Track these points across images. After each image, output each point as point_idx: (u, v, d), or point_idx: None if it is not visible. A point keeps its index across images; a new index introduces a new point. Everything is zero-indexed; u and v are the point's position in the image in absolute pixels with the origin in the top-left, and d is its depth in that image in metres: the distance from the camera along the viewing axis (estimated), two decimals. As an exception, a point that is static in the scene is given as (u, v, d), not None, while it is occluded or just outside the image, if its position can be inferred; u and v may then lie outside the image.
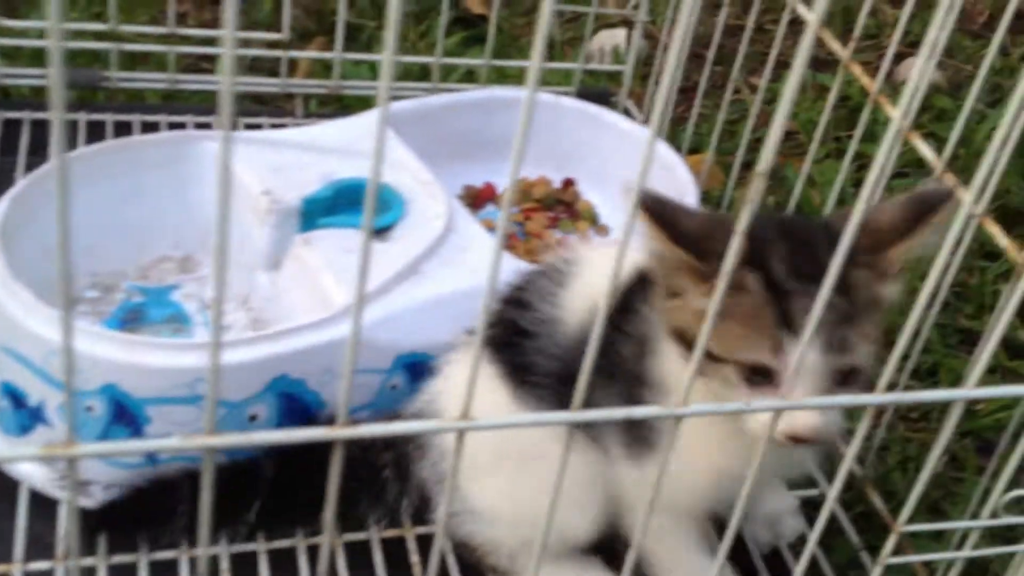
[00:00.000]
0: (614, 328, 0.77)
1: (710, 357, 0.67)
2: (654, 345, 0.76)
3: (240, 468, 0.88)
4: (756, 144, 1.56)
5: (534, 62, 0.46)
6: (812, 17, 0.50)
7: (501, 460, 0.84)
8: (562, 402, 0.79)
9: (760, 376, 0.67)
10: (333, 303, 0.96)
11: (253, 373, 0.89)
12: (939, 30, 0.52)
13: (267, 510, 0.88)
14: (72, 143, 1.20)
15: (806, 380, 0.66)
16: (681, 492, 0.74)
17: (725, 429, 0.74)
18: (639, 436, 0.78)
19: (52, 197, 1.02)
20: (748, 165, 1.52)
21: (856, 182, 1.51)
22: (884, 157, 0.58)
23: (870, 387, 0.69)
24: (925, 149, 0.95)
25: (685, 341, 0.70)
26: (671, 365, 0.74)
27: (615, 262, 0.51)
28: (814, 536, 0.65)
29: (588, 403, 0.54)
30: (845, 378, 0.68)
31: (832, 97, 1.10)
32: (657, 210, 0.67)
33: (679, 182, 1.18)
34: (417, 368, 0.97)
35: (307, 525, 0.91)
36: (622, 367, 0.77)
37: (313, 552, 0.91)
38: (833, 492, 0.64)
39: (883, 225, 0.69)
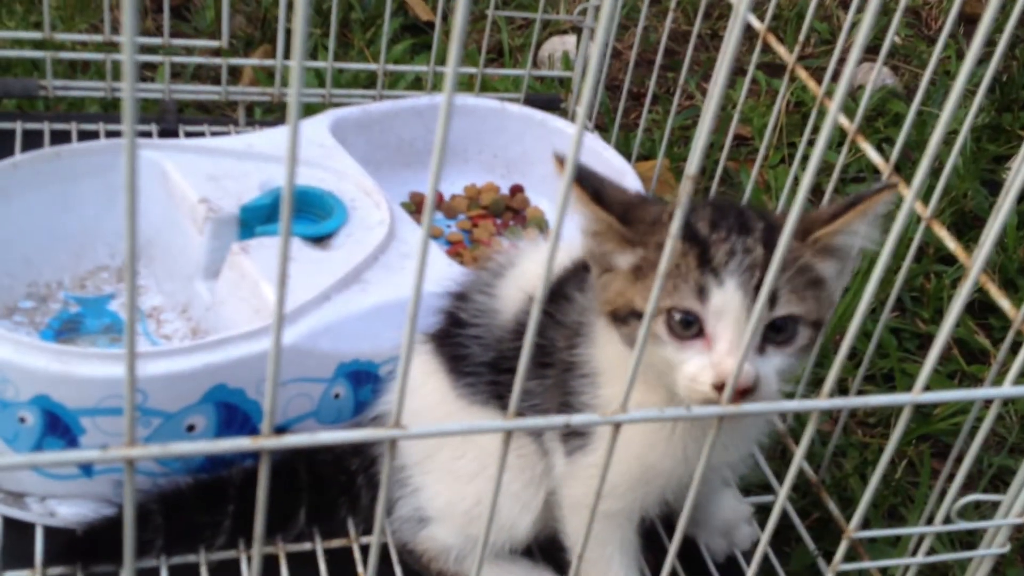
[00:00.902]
0: (549, 317, 0.76)
1: (638, 316, 0.67)
2: (589, 333, 0.74)
3: (209, 483, 0.87)
4: (709, 150, 1.55)
5: (450, 67, 0.44)
6: (740, 23, 0.49)
7: (440, 451, 0.85)
8: (497, 392, 0.79)
9: (687, 328, 0.66)
10: (272, 311, 0.93)
11: (190, 382, 0.86)
12: (866, 31, 0.51)
13: (242, 519, 0.86)
14: (9, 152, 1.16)
15: (731, 325, 0.65)
16: (608, 489, 0.72)
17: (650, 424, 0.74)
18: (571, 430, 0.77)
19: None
20: (702, 171, 1.52)
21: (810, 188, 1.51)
22: (821, 155, 0.57)
23: (810, 345, 0.68)
24: (872, 152, 0.94)
25: (620, 319, 0.69)
26: (607, 352, 0.73)
27: (550, 244, 0.49)
28: (765, 537, 0.63)
29: (524, 394, 0.53)
30: (780, 334, 0.67)
31: (779, 101, 1.09)
32: (588, 181, 0.69)
33: (627, 186, 1.16)
34: (360, 376, 0.95)
35: (283, 531, 0.89)
36: (557, 356, 0.76)
37: (288, 559, 0.88)
38: (783, 491, 0.63)
39: (816, 214, 0.70)
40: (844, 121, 0.94)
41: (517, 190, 1.28)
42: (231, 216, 1.02)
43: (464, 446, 0.84)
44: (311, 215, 1.05)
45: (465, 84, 1.50)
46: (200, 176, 1.05)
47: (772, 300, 0.65)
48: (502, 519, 0.83)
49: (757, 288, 0.64)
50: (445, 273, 0.99)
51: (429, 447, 0.86)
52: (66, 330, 1.03)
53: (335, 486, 0.90)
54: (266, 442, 0.52)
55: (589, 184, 0.69)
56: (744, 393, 0.64)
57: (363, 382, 0.95)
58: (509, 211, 1.27)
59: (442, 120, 0.46)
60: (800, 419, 1.07)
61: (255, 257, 0.98)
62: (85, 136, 1.26)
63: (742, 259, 0.66)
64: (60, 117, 1.29)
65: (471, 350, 0.81)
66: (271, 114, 1.43)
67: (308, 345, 0.91)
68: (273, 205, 1.04)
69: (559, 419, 0.57)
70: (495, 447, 0.58)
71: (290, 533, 0.89)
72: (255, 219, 1.03)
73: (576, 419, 0.57)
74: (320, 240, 1.02)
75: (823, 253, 0.68)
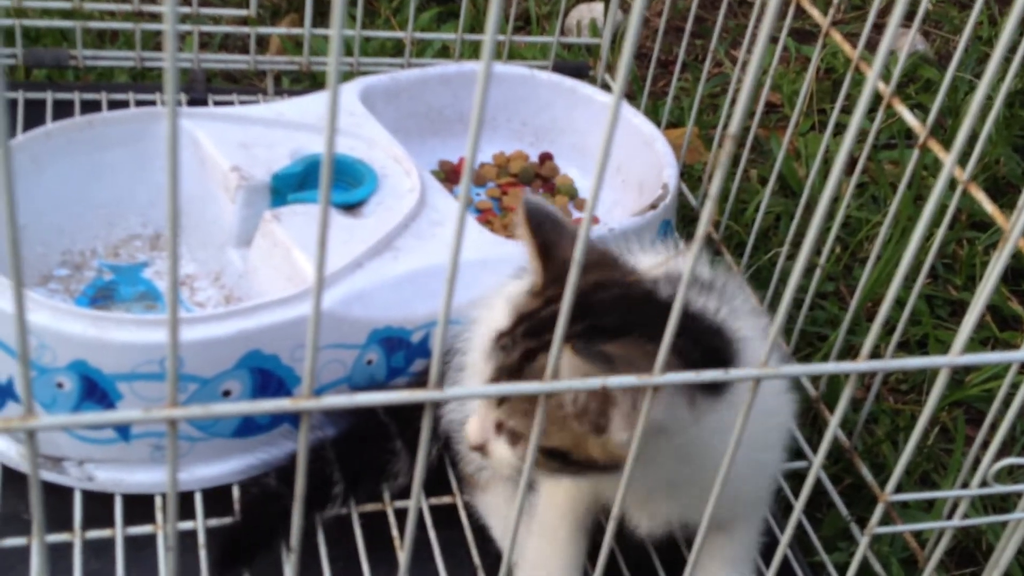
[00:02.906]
0: None
1: None
2: None
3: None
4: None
5: (488, 34, 0.44)
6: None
7: None
8: None
9: None
10: (305, 278, 0.94)
11: (225, 348, 0.87)
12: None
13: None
14: (40, 122, 1.17)
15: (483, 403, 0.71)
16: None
17: None
18: None
19: (19, 173, 0.99)
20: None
21: (848, 155, 1.49)
22: (860, 119, 0.56)
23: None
24: (908, 116, 0.93)
25: None
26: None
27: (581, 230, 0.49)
28: (800, 503, 0.63)
29: None
30: (506, 435, 0.71)
31: (813, 66, 1.08)
32: (535, 214, 0.72)
33: (658, 156, 1.15)
34: (392, 343, 0.95)
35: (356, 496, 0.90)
36: None
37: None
38: (819, 457, 0.63)
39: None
40: (880, 84, 0.93)
41: (546, 158, 1.28)
42: (263, 184, 1.02)
43: None
44: (342, 183, 1.05)
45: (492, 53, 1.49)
46: (231, 144, 1.05)
47: (501, 400, 0.69)
48: None
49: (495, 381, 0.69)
50: (478, 241, 1.00)
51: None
52: (100, 297, 1.03)
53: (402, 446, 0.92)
54: (306, 403, 0.53)
55: (536, 218, 0.72)
56: (479, 449, 0.72)
57: (395, 348, 0.96)
58: (538, 179, 1.26)
59: (480, 87, 0.46)
60: (832, 385, 1.07)
61: (287, 225, 0.98)
62: (115, 106, 1.27)
63: (503, 355, 0.69)
64: (90, 87, 1.30)
65: None
66: (299, 84, 1.43)
67: (341, 311, 0.92)
68: (304, 173, 1.04)
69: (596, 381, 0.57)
70: None
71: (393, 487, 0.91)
72: (287, 187, 1.03)
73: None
74: (351, 208, 1.02)
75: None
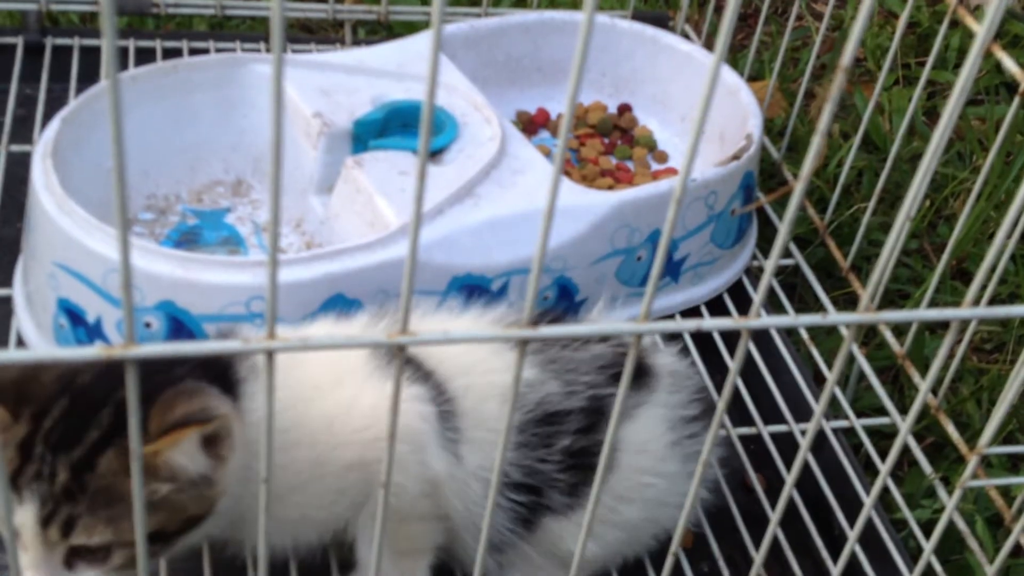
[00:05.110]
0: None
1: None
2: None
3: None
4: (820, 71, 1.51)
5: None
6: None
7: None
8: None
9: (15, 537, 0.63)
10: (386, 224, 0.94)
11: (309, 291, 0.88)
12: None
13: None
14: (122, 70, 1.18)
15: (30, 543, 0.63)
16: None
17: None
18: None
19: (103, 117, 1.00)
20: (811, 94, 1.48)
21: (927, 110, 1.46)
22: (970, 70, 0.54)
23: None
24: (1010, 62, 0.90)
25: None
26: None
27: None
28: (888, 463, 0.61)
29: None
30: (92, 554, 0.64)
31: (903, 18, 1.05)
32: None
33: (742, 107, 1.13)
34: (472, 290, 0.95)
35: None
36: None
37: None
38: (909, 421, 0.61)
39: (160, 419, 0.63)
40: (974, 25, 0.90)
41: (625, 109, 1.26)
42: (344, 130, 1.03)
43: None
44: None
45: (568, 2, 1.47)
46: (313, 91, 1.05)
47: (69, 527, 0.62)
48: None
49: (51, 516, 0.62)
50: (559, 191, 0.99)
51: None
52: (184, 241, 1.05)
53: None
54: (402, 339, 0.53)
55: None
56: None
57: (475, 295, 0.96)
58: (617, 130, 1.25)
59: (582, 36, 0.45)
60: (918, 343, 1.05)
61: (369, 171, 0.98)
62: (195, 54, 1.27)
63: (43, 485, 0.62)
64: (171, 35, 1.31)
65: None
66: (375, 34, 1.43)
67: (423, 258, 0.92)
68: (386, 119, 1.04)
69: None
70: None
71: None
72: (368, 133, 1.03)
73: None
74: (432, 155, 1.02)
75: (150, 474, 0.62)
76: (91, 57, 1.25)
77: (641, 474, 0.78)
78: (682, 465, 0.80)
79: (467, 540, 0.77)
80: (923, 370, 1.02)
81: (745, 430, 0.98)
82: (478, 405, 0.75)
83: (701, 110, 0.48)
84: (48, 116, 1.04)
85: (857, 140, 1.11)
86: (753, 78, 1.42)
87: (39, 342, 0.93)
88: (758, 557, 0.62)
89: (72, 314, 0.90)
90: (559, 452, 0.76)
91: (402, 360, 0.53)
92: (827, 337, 1.11)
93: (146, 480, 0.59)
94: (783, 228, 0.53)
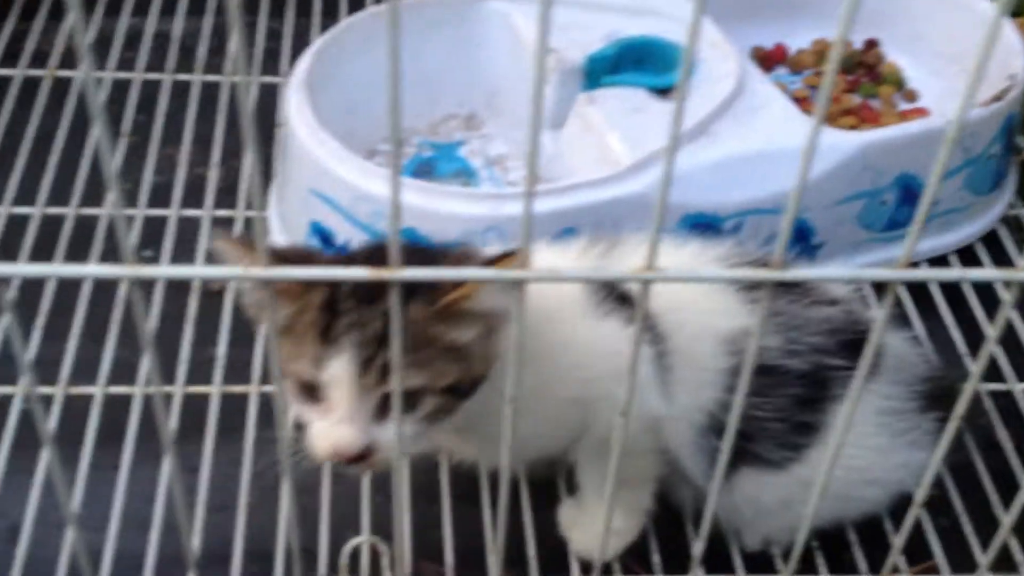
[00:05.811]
0: None
1: (284, 373, 0.65)
2: None
3: None
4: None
5: None
6: None
7: None
8: None
9: (309, 392, 0.65)
10: (617, 161, 0.94)
11: (541, 225, 0.89)
12: None
13: None
14: (360, 8, 1.22)
15: (343, 395, 0.64)
16: None
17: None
18: None
19: (350, 52, 1.04)
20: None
21: None
22: None
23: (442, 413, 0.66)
24: None
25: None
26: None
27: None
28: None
29: None
30: (409, 401, 0.65)
31: None
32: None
33: (1004, 44, 1.06)
34: (703, 229, 0.94)
35: None
36: None
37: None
38: None
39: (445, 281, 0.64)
40: None
41: (872, 44, 1.20)
42: (577, 66, 1.03)
43: None
44: (654, 66, 1.04)
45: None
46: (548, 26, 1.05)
47: (386, 370, 0.63)
48: None
49: (370, 360, 0.63)
50: (800, 129, 0.96)
51: None
52: (420, 173, 1.08)
53: None
54: (647, 274, 0.53)
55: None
56: (360, 459, 0.65)
57: (705, 235, 0.94)
58: (862, 67, 1.19)
59: None
60: None
61: (602, 107, 0.98)
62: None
63: (359, 332, 0.63)
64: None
65: None
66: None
67: (654, 195, 0.91)
68: (618, 55, 1.03)
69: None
70: None
71: None
72: (601, 69, 1.03)
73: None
74: (666, 91, 1.00)
75: (455, 320, 0.64)
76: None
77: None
78: (891, 440, 0.77)
79: (685, 471, 0.77)
80: None
81: (995, 386, 0.93)
82: (690, 344, 0.74)
83: (980, 58, 0.45)
84: (296, 51, 1.09)
85: None
86: (1016, 13, 1.32)
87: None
88: (1007, 519, 0.59)
89: (323, 235, 0.95)
90: (770, 407, 0.75)
91: (646, 296, 0.53)
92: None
93: (450, 328, 0.65)
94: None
